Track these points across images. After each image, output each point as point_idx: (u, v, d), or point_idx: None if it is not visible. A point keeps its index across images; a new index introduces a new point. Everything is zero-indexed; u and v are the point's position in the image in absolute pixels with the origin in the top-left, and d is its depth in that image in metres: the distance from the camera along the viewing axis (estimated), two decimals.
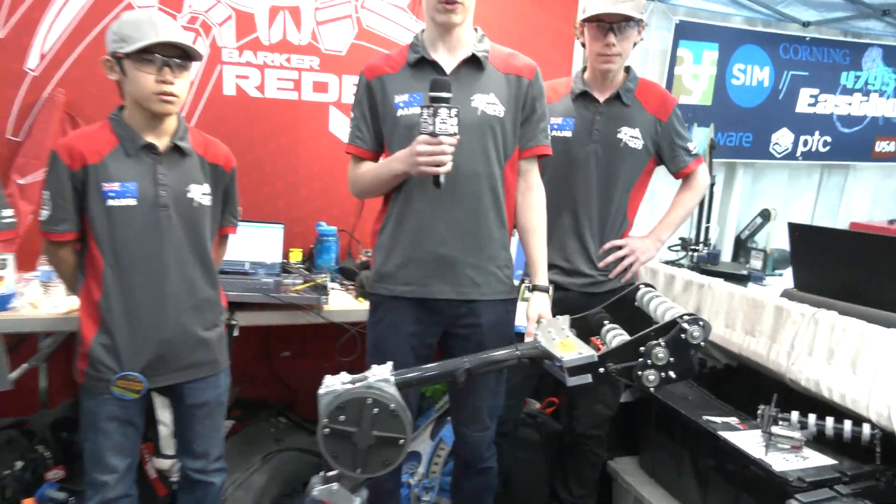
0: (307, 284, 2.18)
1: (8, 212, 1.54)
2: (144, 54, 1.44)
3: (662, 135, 1.91)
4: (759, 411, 1.77)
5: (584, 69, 1.95)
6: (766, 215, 3.31)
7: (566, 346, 1.15)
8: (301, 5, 2.47)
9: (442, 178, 1.48)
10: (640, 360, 1.08)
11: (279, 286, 2.15)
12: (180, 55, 1.48)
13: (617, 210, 1.93)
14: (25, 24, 2.18)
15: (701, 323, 1.07)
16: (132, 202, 1.50)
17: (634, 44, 1.87)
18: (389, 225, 1.65)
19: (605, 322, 1.30)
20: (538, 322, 1.46)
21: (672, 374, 1.07)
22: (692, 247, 2.99)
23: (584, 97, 1.91)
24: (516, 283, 1.75)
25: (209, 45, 2.39)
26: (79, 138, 1.54)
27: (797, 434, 1.67)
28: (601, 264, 1.92)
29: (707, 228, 3.06)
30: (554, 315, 1.55)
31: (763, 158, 3.48)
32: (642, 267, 2.27)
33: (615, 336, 1.19)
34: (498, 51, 1.66)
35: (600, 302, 1.58)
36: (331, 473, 1.22)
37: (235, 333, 1.99)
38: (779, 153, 3.51)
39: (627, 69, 1.93)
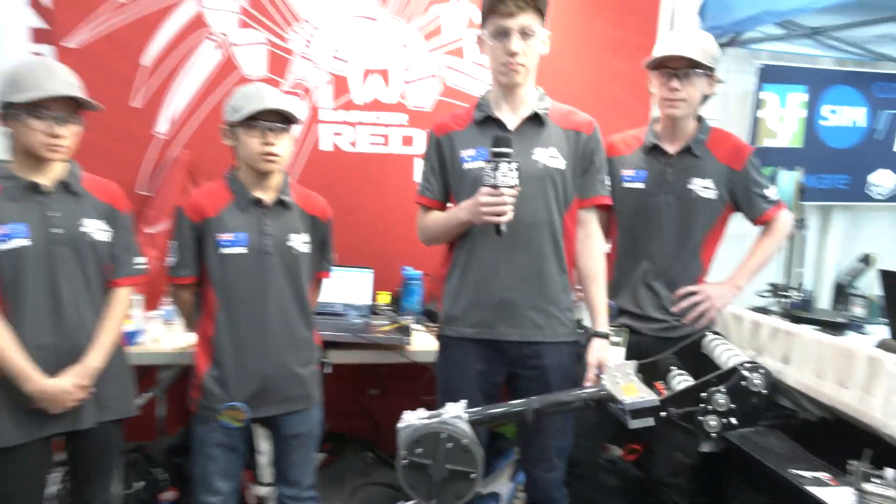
0: (393, 326, 2.32)
1: (142, 259, 1.78)
2: (251, 121, 1.65)
3: (737, 183, 1.92)
4: (850, 467, 1.70)
5: (656, 120, 2.01)
6: (867, 260, 3.15)
7: (630, 389, 1.20)
8: (390, 68, 2.70)
9: (503, 227, 1.58)
10: (702, 405, 1.11)
11: (368, 327, 2.31)
12: (281, 120, 1.68)
13: (690, 257, 1.95)
14: (157, 96, 2.52)
15: (762, 370, 1.09)
16: (243, 250, 1.71)
17: (707, 96, 1.91)
18: (456, 271, 1.77)
19: (672, 368, 1.33)
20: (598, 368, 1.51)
21: (733, 420, 1.10)
22: (783, 293, 2.90)
23: (654, 150, 1.96)
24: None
25: (309, 107, 2.65)
26: (200, 195, 1.78)
27: (892, 493, 1.59)
28: (674, 309, 1.93)
29: (799, 273, 2.97)
30: (628, 358, 1.59)
31: (861, 201, 3.34)
32: (726, 313, 2.25)
33: (679, 381, 1.23)
34: (558, 108, 1.78)
35: (674, 346, 1.61)
36: (409, 503, 1.31)
37: (328, 371, 2.16)
38: (880, 195, 3.35)
39: (699, 119, 1.97)
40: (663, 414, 1.14)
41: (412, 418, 1.30)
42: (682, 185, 1.92)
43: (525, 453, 1.87)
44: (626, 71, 2.88)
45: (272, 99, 1.67)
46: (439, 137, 1.80)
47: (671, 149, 1.94)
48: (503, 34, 1.62)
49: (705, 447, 2.15)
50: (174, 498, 2.30)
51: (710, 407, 1.10)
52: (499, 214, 1.56)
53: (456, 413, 1.28)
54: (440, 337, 1.83)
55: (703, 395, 1.11)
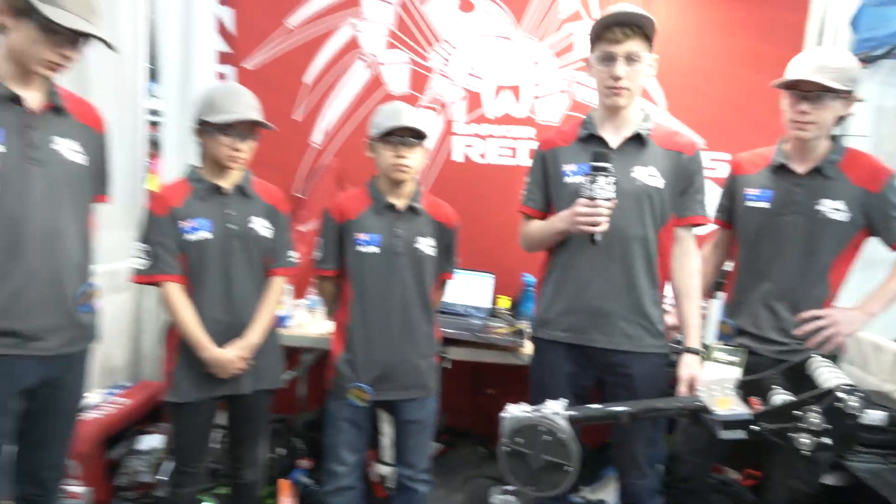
0: (510, 329, 2.46)
1: (295, 253, 2.07)
2: (387, 136, 1.87)
3: (874, 206, 1.83)
4: None
5: (786, 139, 1.96)
6: None
7: (724, 402, 1.23)
8: (521, 84, 2.84)
9: (598, 237, 1.66)
10: (795, 423, 1.12)
11: (486, 328, 2.47)
12: (414, 135, 1.88)
13: (816, 280, 1.88)
14: (314, 110, 2.86)
15: (860, 394, 1.09)
16: (376, 249, 1.93)
17: (843, 117, 1.85)
18: (552, 277, 1.87)
19: (775, 386, 1.34)
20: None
21: (828, 441, 1.10)
22: None
23: (782, 169, 1.92)
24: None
25: (444, 120, 2.86)
26: (344, 199, 2.03)
27: None
28: (797, 332, 1.88)
29: None
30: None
31: None
32: (865, 342, 2.13)
33: (778, 399, 1.24)
34: (662, 129, 1.84)
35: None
36: (508, 488, 1.44)
37: (447, 365, 2.34)
38: None
39: (833, 139, 1.90)
40: (755, 428, 1.17)
41: (515, 410, 1.43)
42: (811, 205, 1.86)
43: (617, 462, 1.93)
44: (767, 88, 2.78)
45: (407, 117, 1.87)
46: (544, 152, 1.91)
47: (800, 169, 1.89)
48: (610, 59, 1.71)
49: (828, 479, 2.06)
50: (309, 466, 2.60)
51: (803, 425, 1.12)
52: (594, 224, 1.65)
53: (555, 409, 1.39)
54: (534, 339, 1.94)
55: (798, 413, 1.13)
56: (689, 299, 1.82)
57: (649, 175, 1.78)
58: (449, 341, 2.35)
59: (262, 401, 2.01)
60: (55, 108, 1.55)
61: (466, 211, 2.78)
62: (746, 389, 1.32)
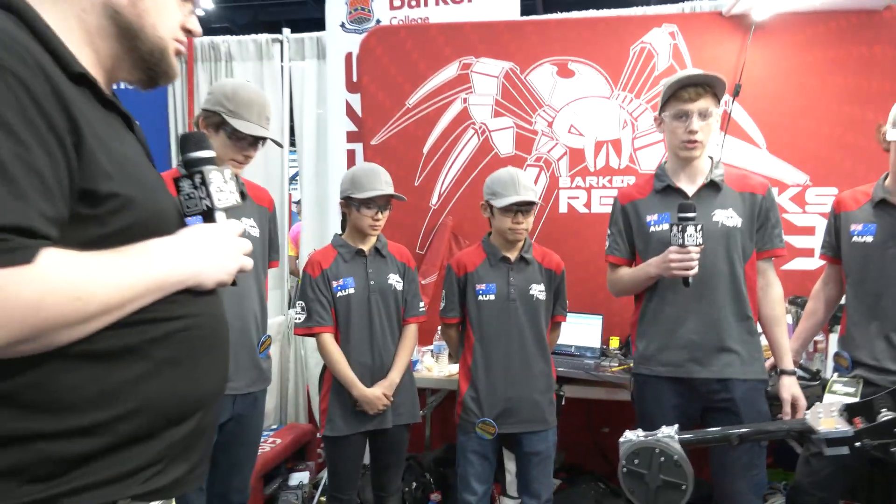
0: (621, 367, 2.60)
1: (422, 303, 2.36)
2: (507, 207, 2.12)
3: None
4: None
5: (886, 177, 2.02)
6: None
7: (828, 422, 1.34)
8: (622, 137, 3.04)
9: (690, 280, 1.84)
10: (894, 438, 1.21)
11: (598, 366, 2.62)
12: (528, 205, 2.13)
13: None
14: (432, 175, 3.20)
15: None
16: (493, 297, 2.18)
17: None
18: (647, 317, 2.03)
19: (883, 409, 1.41)
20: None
21: None
22: None
23: (883, 203, 1.98)
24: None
25: (549, 176, 3.11)
26: (463, 255, 2.31)
27: None
28: None
29: None
30: None
31: None
32: None
33: (882, 417, 1.32)
34: (733, 173, 2.02)
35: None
36: None
37: (563, 403, 2.51)
38: None
39: None
40: (857, 444, 1.27)
41: (631, 435, 1.59)
42: None
43: (720, 495, 2.00)
44: (872, 121, 2.81)
45: (523, 188, 2.11)
46: (624, 205, 2.10)
47: None
48: (685, 116, 1.90)
49: None
50: (439, 499, 2.83)
51: None
52: (687, 269, 1.82)
53: (668, 433, 1.54)
54: (635, 375, 2.09)
55: None
56: (778, 325, 1.97)
57: (728, 217, 1.95)
58: (564, 379, 2.53)
59: (402, 434, 2.29)
60: (240, 193, 1.96)
61: (574, 258, 3.00)
62: (855, 412, 1.41)
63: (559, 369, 2.54)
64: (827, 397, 1.93)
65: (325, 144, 3.51)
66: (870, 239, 1.99)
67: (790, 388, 1.90)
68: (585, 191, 3.09)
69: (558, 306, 2.30)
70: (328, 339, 2.18)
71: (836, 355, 2.13)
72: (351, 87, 3.38)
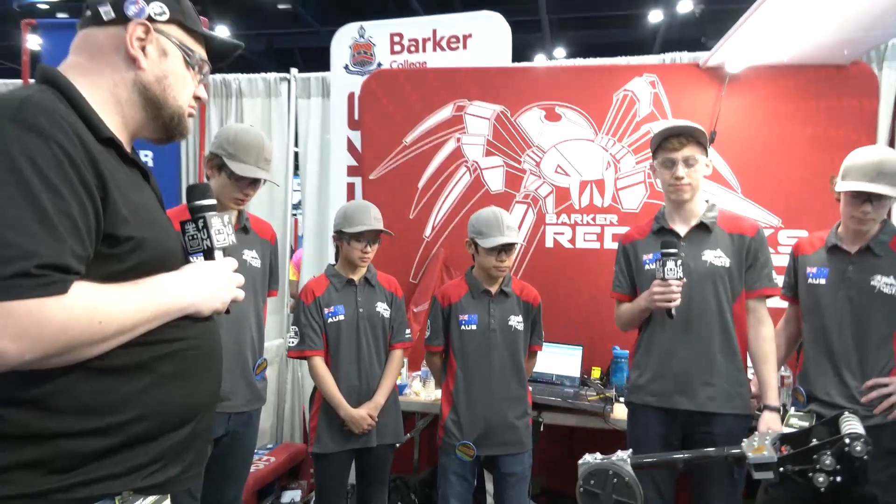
0: (599, 396, 2.74)
1: (409, 330, 2.53)
2: (493, 246, 2.28)
3: None
4: None
5: (839, 225, 2.18)
6: None
7: (759, 449, 1.48)
8: (605, 177, 3.22)
9: (673, 312, 1.99)
10: (812, 465, 1.35)
11: (576, 395, 2.76)
12: (510, 246, 2.29)
13: (879, 351, 2.04)
14: (426, 209, 3.38)
15: (863, 440, 1.31)
16: (474, 327, 2.34)
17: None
18: (641, 349, 2.20)
19: (814, 439, 1.55)
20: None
21: (839, 479, 1.32)
22: None
23: (835, 250, 2.14)
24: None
25: (536, 212, 3.28)
26: (447, 287, 2.48)
27: None
28: (864, 400, 2.03)
29: None
30: None
31: None
32: None
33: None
34: (726, 215, 2.17)
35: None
36: None
37: (541, 428, 2.65)
38: None
39: (884, 222, 2.10)
40: (781, 469, 1.41)
41: (589, 458, 1.73)
42: (865, 281, 2.06)
43: None
44: (839, 168, 2.97)
45: (507, 229, 2.27)
46: (626, 245, 2.28)
47: (851, 248, 2.11)
48: (671, 164, 2.07)
49: None
50: None
51: (818, 466, 1.34)
52: (667, 301, 1.98)
53: (622, 457, 1.68)
54: (628, 403, 2.25)
55: (815, 456, 1.36)
56: (766, 363, 2.09)
57: (716, 257, 2.11)
58: (543, 406, 2.67)
59: (386, 453, 2.43)
60: (243, 227, 2.15)
61: (558, 291, 3.17)
62: (789, 441, 1.55)
63: (539, 396, 2.70)
64: (784, 429, 2.07)
65: (328, 177, 3.72)
66: (823, 281, 2.15)
67: (768, 422, 2.02)
68: (570, 227, 3.26)
69: (535, 336, 2.46)
70: (318, 362, 2.34)
71: (794, 390, 2.28)
72: (352, 124, 3.60)
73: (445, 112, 3.34)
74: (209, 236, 1.10)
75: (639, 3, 8.86)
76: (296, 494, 3.31)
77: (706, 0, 8.30)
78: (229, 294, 1.12)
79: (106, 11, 1.03)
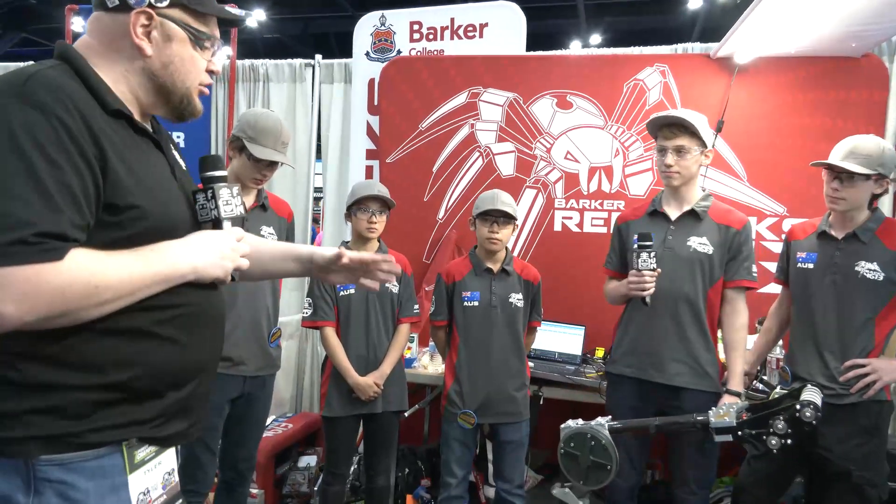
0: (598, 374, 2.85)
1: (416, 306, 2.68)
2: (484, 216, 2.43)
3: None
4: None
5: (830, 212, 2.25)
6: None
7: (721, 416, 1.59)
8: (614, 164, 3.31)
9: (647, 300, 2.11)
10: (767, 429, 1.46)
11: (576, 372, 2.89)
12: (504, 216, 2.43)
13: (859, 334, 2.12)
14: (440, 192, 3.52)
15: (813, 406, 1.42)
16: (476, 304, 2.48)
17: (878, 194, 2.13)
18: (621, 326, 2.34)
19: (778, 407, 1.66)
20: None
21: (790, 441, 1.44)
22: None
23: (824, 235, 2.21)
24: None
25: (546, 197, 3.39)
26: (452, 265, 2.62)
27: None
28: (841, 379, 2.12)
29: None
30: None
31: None
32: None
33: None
34: (719, 206, 2.26)
35: (842, 412, 2.02)
36: (566, 483, 1.87)
37: (541, 402, 2.79)
38: None
39: (874, 210, 2.17)
40: (739, 433, 1.52)
41: (571, 423, 1.87)
42: (850, 266, 2.14)
43: (672, 481, 2.30)
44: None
45: (501, 202, 2.42)
46: (620, 225, 2.40)
47: (839, 235, 2.18)
48: (663, 151, 2.18)
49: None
50: (427, 485, 3.12)
51: (772, 430, 1.46)
52: (641, 290, 2.11)
53: (600, 422, 1.81)
54: (606, 373, 2.41)
55: (771, 421, 1.47)
56: (734, 350, 2.21)
57: (700, 244, 2.21)
58: (544, 381, 2.81)
59: (391, 420, 2.60)
60: (261, 205, 2.32)
61: (566, 272, 3.29)
62: (756, 409, 1.66)
63: (541, 372, 2.83)
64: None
65: (348, 160, 3.88)
66: (811, 266, 2.23)
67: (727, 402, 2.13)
68: (579, 212, 3.36)
69: (534, 313, 2.58)
70: (330, 332, 2.51)
71: (781, 370, 2.37)
72: (372, 109, 3.75)
73: (460, 99, 3.46)
74: (217, 206, 1.15)
75: None
76: (311, 459, 3.50)
77: None
78: (231, 263, 1.14)
79: None
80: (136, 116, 1.09)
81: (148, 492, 1.09)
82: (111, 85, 1.05)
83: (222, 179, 1.19)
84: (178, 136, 3.78)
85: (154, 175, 1.08)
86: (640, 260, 2.11)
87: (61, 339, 0.97)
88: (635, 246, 2.15)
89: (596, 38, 10.25)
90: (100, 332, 0.99)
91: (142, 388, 1.04)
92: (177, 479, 1.17)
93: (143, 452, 1.07)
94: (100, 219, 0.98)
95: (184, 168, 1.21)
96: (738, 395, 2.15)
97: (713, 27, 8.42)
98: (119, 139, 1.02)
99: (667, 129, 2.21)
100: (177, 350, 1.08)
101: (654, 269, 2.11)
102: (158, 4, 1.06)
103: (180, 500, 1.18)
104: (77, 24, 4.11)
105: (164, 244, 1.05)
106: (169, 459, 1.13)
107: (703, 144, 2.22)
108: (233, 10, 1.24)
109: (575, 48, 9.70)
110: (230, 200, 1.17)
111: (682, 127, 2.19)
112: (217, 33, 1.16)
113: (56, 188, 0.91)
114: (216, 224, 1.16)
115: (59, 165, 0.92)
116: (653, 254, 2.10)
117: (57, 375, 0.97)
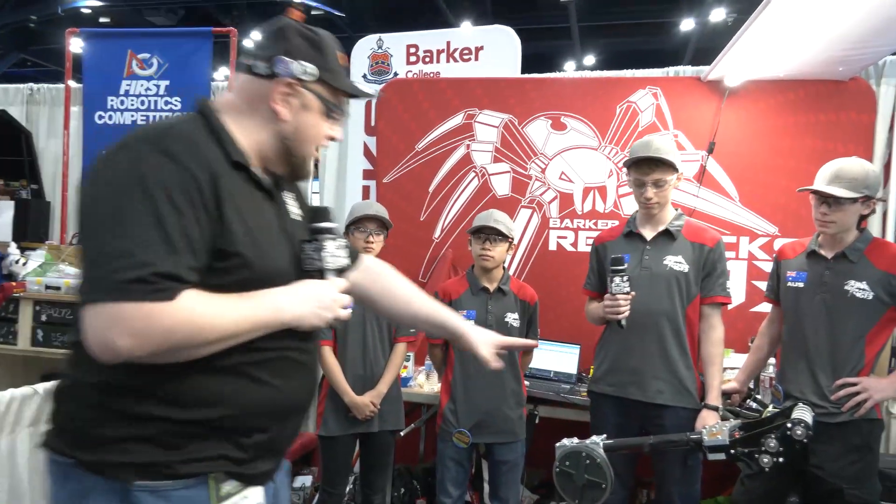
0: None
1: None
2: (478, 233, 2.46)
3: None
4: None
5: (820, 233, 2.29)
6: None
7: (714, 434, 1.61)
8: (607, 184, 3.36)
9: (623, 323, 2.15)
10: (759, 447, 1.48)
11: (571, 390, 2.90)
12: (497, 234, 2.46)
13: (850, 352, 2.14)
14: (436, 211, 3.56)
15: (803, 425, 1.43)
16: (472, 323, 2.49)
17: (866, 215, 2.17)
18: (602, 345, 2.39)
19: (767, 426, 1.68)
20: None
21: (781, 459, 1.45)
22: None
23: (814, 255, 2.25)
24: None
25: (541, 217, 3.43)
26: (448, 284, 2.65)
27: None
28: (833, 397, 2.14)
29: None
30: None
31: None
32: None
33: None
34: (692, 225, 2.33)
35: (834, 431, 2.04)
36: (562, 503, 1.88)
37: (536, 421, 2.80)
38: None
39: (863, 230, 2.21)
40: (732, 451, 1.54)
41: (566, 441, 1.88)
42: (839, 285, 2.17)
43: (658, 495, 2.32)
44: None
45: (494, 220, 2.46)
46: (597, 246, 2.46)
47: (828, 254, 2.22)
48: (640, 185, 2.23)
49: None
50: None
51: (764, 448, 1.47)
52: (616, 314, 2.15)
53: (595, 440, 1.83)
54: (589, 392, 2.42)
55: (762, 440, 1.49)
56: (712, 365, 2.25)
57: (676, 262, 2.26)
58: (539, 400, 2.82)
59: (387, 439, 2.61)
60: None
61: (559, 291, 3.32)
62: (747, 428, 1.67)
63: (537, 391, 2.84)
64: None
65: (345, 180, 3.92)
66: (801, 285, 2.26)
67: (705, 419, 2.17)
68: (573, 231, 3.40)
69: (531, 334, 2.61)
70: (327, 351, 2.52)
71: (773, 388, 2.39)
72: (369, 130, 3.80)
73: (456, 120, 3.51)
74: (321, 258, 1.19)
75: (671, 11, 8.86)
76: (307, 479, 3.49)
77: (739, 9, 8.24)
78: (331, 314, 1.18)
79: (259, 66, 1.15)
80: (257, 169, 1.16)
81: None
82: (242, 139, 1.14)
83: (330, 231, 1.22)
84: None
85: (261, 225, 1.13)
86: (613, 284, 2.14)
87: (160, 374, 1.02)
88: (610, 270, 2.18)
89: (590, 60, 10.39)
90: (197, 370, 1.04)
91: (232, 426, 1.09)
92: None
93: (228, 486, 1.10)
94: (210, 264, 1.03)
95: (296, 218, 1.26)
96: (715, 409, 2.17)
97: (706, 48, 8.55)
98: (236, 189, 1.09)
99: (644, 164, 2.25)
100: (268, 392, 1.12)
101: (627, 293, 2.14)
102: (304, 78, 1.15)
103: None
104: (75, 45, 4.17)
105: (269, 292, 1.11)
106: (255, 494, 1.15)
107: (676, 169, 2.26)
108: (366, 88, 1.34)
109: (569, 70, 9.85)
110: (336, 253, 1.22)
111: (659, 162, 2.23)
112: (346, 108, 1.25)
113: (176, 232, 0.97)
114: (320, 274, 1.20)
115: (182, 211, 0.98)
116: (626, 278, 2.14)
117: (154, 408, 1.03)
